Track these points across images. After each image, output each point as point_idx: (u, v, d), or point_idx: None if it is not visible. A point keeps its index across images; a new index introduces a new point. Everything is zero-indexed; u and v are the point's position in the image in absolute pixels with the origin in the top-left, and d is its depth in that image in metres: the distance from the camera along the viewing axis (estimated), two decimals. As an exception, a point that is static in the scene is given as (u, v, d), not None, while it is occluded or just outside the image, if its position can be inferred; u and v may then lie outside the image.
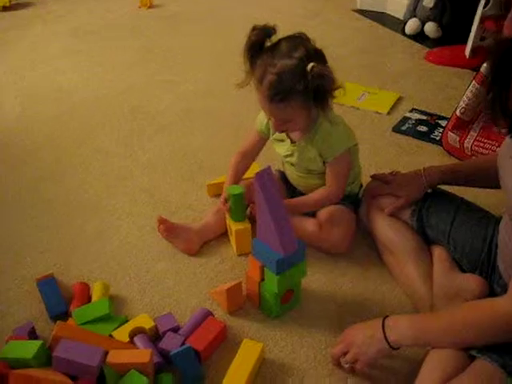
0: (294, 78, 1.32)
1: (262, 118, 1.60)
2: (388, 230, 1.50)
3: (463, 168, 1.47)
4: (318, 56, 1.36)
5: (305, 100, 1.37)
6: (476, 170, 1.43)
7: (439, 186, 1.51)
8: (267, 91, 1.34)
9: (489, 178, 1.30)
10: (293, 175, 1.65)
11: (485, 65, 1.86)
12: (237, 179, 1.65)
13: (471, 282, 1.28)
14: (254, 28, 1.36)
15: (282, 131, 1.50)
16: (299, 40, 1.37)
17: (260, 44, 1.36)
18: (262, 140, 1.65)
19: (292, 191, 1.70)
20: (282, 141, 1.58)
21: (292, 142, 1.55)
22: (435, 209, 1.45)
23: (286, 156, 1.59)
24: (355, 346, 1.19)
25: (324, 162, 1.53)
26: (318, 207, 1.58)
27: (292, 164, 1.60)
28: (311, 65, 1.31)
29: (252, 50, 1.37)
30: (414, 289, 1.40)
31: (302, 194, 1.66)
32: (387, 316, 1.18)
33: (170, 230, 1.60)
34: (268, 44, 1.37)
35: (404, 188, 1.48)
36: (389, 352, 1.16)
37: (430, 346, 1.15)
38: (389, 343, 1.14)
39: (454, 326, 1.10)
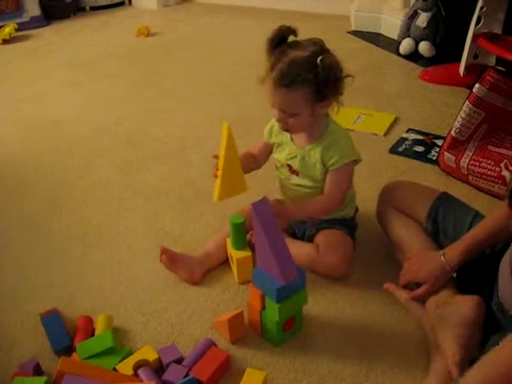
0: (303, 67, 1.40)
1: (268, 126, 1.64)
2: (400, 230, 1.53)
3: (481, 238, 1.33)
4: (330, 54, 1.44)
5: (309, 93, 1.42)
6: (494, 234, 1.32)
7: (454, 195, 1.55)
8: (275, 76, 1.41)
9: (505, 238, 1.28)
10: (289, 191, 1.65)
11: (477, 85, 1.89)
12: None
13: (466, 304, 1.29)
14: (280, 26, 1.46)
15: (286, 130, 1.53)
16: (316, 40, 1.46)
17: (279, 40, 1.44)
18: (267, 146, 1.67)
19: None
20: (284, 144, 1.61)
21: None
22: (452, 217, 1.46)
23: (288, 159, 1.59)
24: None
25: (325, 171, 1.55)
26: (315, 215, 1.59)
27: (293, 171, 1.60)
28: (320, 57, 1.39)
29: (272, 45, 1.45)
30: None
31: (297, 224, 1.68)
32: None
33: (172, 260, 1.61)
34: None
35: (425, 271, 1.37)
36: None
37: None
38: None
39: None
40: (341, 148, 1.52)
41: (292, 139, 1.59)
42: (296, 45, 1.44)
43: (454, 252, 1.34)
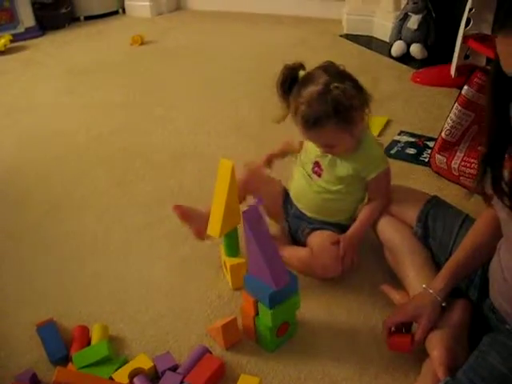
0: (321, 102, 1.40)
1: None
2: (389, 230, 1.55)
3: (461, 259, 1.31)
4: (341, 77, 1.44)
5: (338, 122, 1.43)
6: (474, 252, 1.30)
7: (446, 196, 1.58)
8: (301, 120, 1.45)
9: (486, 256, 1.29)
10: (307, 194, 1.65)
11: (465, 87, 1.91)
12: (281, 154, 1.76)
13: (453, 306, 1.30)
14: (285, 67, 1.48)
15: (333, 154, 1.56)
16: (324, 67, 1.46)
17: (290, 80, 1.47)
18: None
19: (288, 211, 1.73)
20: None
21: None
22: (441, 221, 1.47)
23: (319, 156, 1.59)
24: None
25: (353, 174, 1.57)
26: (370, 222, 1.61)
27: (316, 171, 1.61)
28: (332, 85, 1.40)
29: (283, 87, 1.48)
30: (409, 287, 1.43)
31: (298, 214, 1.70)
32: None
33: (183, 215, 1.67)
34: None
35: (419, 309, 1.28)
36: None
37: None
38: None
39: None
40: (375, 157, 1.57)
41: None
42: (307, 79, 1.45)
43: (437, 281, 1.29)
